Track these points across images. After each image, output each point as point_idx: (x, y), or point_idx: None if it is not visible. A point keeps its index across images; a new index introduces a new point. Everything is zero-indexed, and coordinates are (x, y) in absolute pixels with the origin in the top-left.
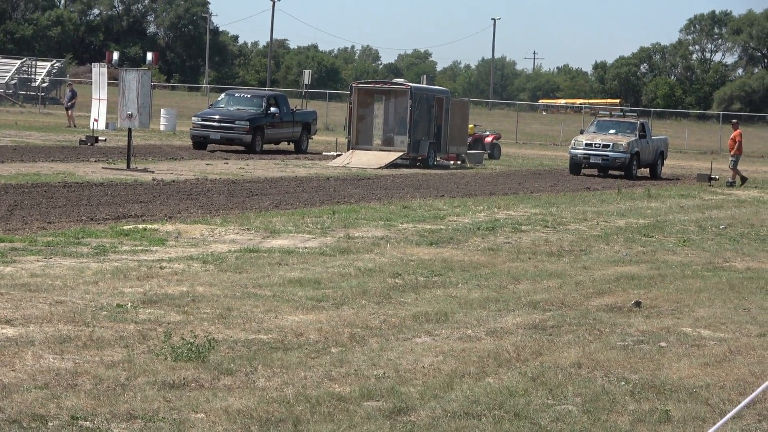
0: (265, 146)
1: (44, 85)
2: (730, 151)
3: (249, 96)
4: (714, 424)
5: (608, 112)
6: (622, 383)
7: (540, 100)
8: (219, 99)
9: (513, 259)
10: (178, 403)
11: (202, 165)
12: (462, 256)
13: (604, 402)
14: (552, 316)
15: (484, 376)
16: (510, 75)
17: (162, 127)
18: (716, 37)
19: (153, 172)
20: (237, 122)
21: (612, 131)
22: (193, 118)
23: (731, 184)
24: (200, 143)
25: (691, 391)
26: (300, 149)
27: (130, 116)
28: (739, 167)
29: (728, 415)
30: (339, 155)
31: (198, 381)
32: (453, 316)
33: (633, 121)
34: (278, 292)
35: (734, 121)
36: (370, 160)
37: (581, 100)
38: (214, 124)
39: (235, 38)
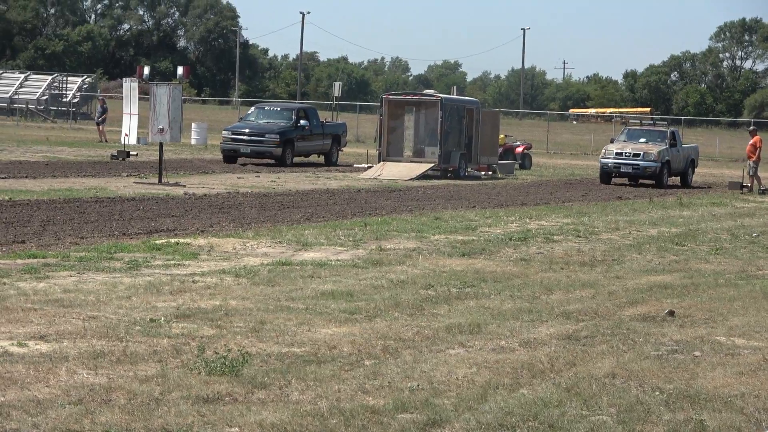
0: (296, 159)
1: (75, 100)
2: (750, 158)
3: (279, 109)
4: None
5: (639, 121)
6: (657, 393)
7: (570, 110)
8: (249, 112)
9: (545, 269)
10: (212, 418)
11: (233, 178)
12: (494, 266)
13: (639, 412)
14: (585, 326)
15: (518, 387)
16: (540, 85)
17: (193, 141)
18: (746, 44)
19: (185, 186)
20: (267, 135)
21: (642, 140)
22: (224, 132)
23: (765, 192)
24: (230, 157)
25: (726, 400)
26: (330, 161)
27: (162, 131)
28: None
29: None
30: (370, 167)
31: (232, 395)
32: (486, 327)
33: (663, 129)
34: (311, 305)
35: (753, 128)
36: (401, 171)
37: (612, 109)
38: (245, 137)
39: (265, 51)
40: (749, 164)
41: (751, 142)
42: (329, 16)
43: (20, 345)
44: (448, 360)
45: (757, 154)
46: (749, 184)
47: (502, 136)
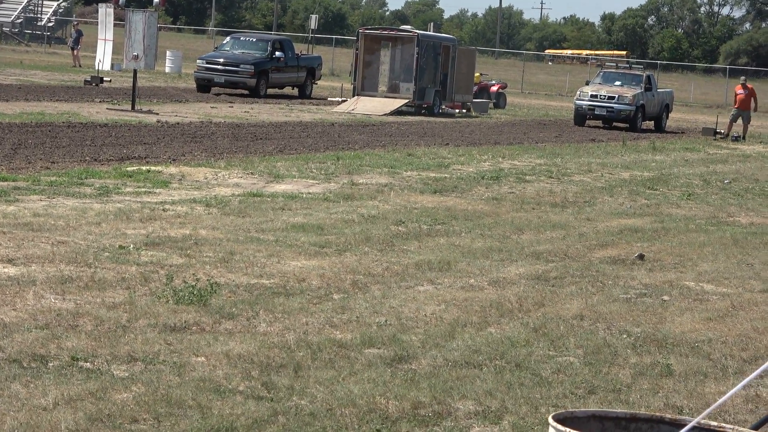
0: (270, 91)
1: (50, 24)
2: (742, 107)
3: (254, 40)
4: (715, 378)
5: (614, 64)
6: (624, 336)
7: (546, 51)
8: (224, 42)
9: (517, 209)
10: (178, 346)
11: (206, 108)
12: (466, 205)
13: (606, 354)
14: (555, 267)
15: (486, 325)
16: (517, 24)
17: (167, 69)
18: None
19: (158, 114)
20: (241, 66)
21: (618, 83)
22: (198, 61)
23: (736, 139)
24: (204, 86)
25: (693, 345)
26: (304, 94)
27: (136, 57)
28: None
29: (743, 382)
30: (344, 101)
31: (199, 324)
32: (456, 265)
33: (639, 73)
34: (281, 237)
35: (744, 78)
36: (375, 106)
37: (588, 51)
38: (219, 67)
39: None
40: (744, 114)
41: (751, 92)
42: None
43: None
44: (416, 296)
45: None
46: (738, 133)
47: (477, 74)
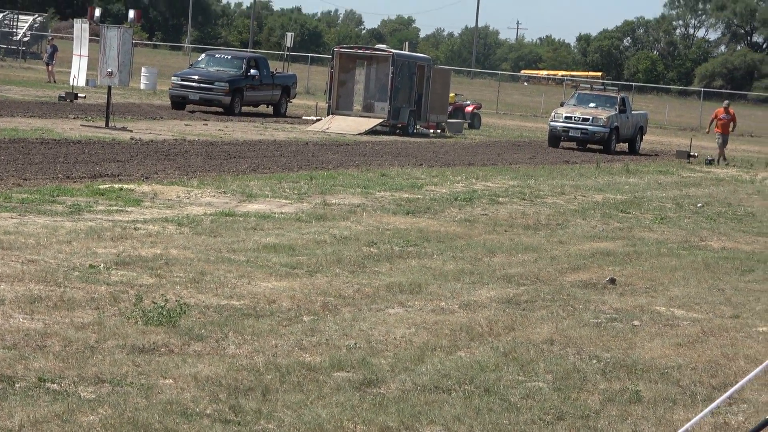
0: (244, 108)
1: (25, 39)
2: (723, 131)
3: (229, 57)
4: (684, 405)
5: (589, 86)
6: (594, 361)
7: (522, 71)
8: (199, 59)
9: (489, 231)
10: (147, 368)
11: (181, 125)
12: (438, 226)
13: (575, 380)
14: (526, 290)
15: (455, 349)
16: (493, 44)
17: (142, 86)
18: (700, 12)
19: (131, 131)
20: (216, 83)
21: (592, 105)
22: (173, 78)
23: (710, 162)
24: (179, 103)
25: (663, 371)
26: (279, 112)
27: (110, 74)
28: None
29: (710, 407)
30: (319, 120)
31: (168, 346)
32: (427, 287)
33: (613, 95)
34: (252, 258)
35: (728, 102)
36: (350, 125)
37: (563, 72)
38: (194, 84)
39: None
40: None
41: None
42: None
43: None
44: (387, 319)
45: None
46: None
47: (452, 94)
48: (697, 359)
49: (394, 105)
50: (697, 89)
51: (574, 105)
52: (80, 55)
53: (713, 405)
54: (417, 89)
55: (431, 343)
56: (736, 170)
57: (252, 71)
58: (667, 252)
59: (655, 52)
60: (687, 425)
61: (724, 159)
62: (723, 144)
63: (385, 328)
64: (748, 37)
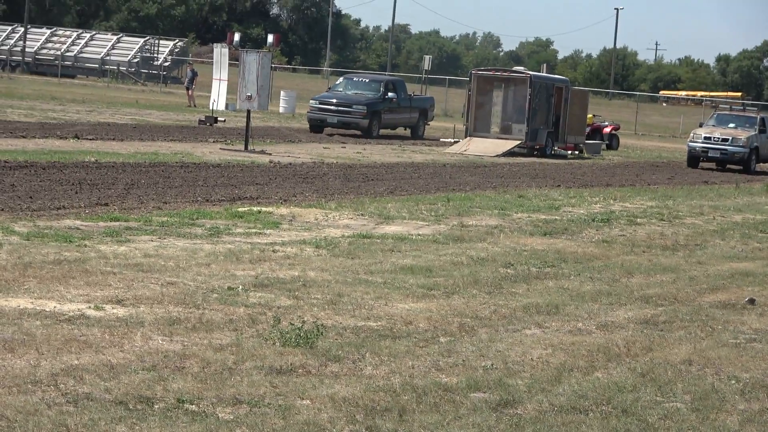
0: (382, 131)
1: (166, 64)
2: None
3: (367, 80)
4: None
5: (728, 106)
6: (733, 382)
7: (661, 92)
8: (337, 83)
9: (627, 252)
10: (284, 389)
11: (319, 148)
12: (575, 247)
13: (714, 401)
14: (664, 311)
15: (592, 370)
16: (631, 65)
17: (281, 110)
18: None
19: (270, 154)
20: (354, 106)
21: (731, 125)
22: (311, 102)
23: None
24: (317, 126)
25: None
26: (416, 135)
27: (250, 98)
28: None
29: None
30: (456, 142)
31: (305, 367)
32: (564, 308)
33: (753, 115)
34: (389, 279)
35: None
36: (488, 147)
37: (702, 93)
38: (332, 107)
39: (358, 22)
40: None
41: None
42: None
43: (97, 308)
44: (523, 340)
45: None
46: None
47: (590, 115)
48: None
49: (531, 126)
50: None
51: (714, 125)
52: (220, 80)
53: None
54: (555, 111)
55: (568, 364)
56: None
57: (390, 94)
58: None
59: None
60: None
61: None
62: None
63: (521, 348)
64: None
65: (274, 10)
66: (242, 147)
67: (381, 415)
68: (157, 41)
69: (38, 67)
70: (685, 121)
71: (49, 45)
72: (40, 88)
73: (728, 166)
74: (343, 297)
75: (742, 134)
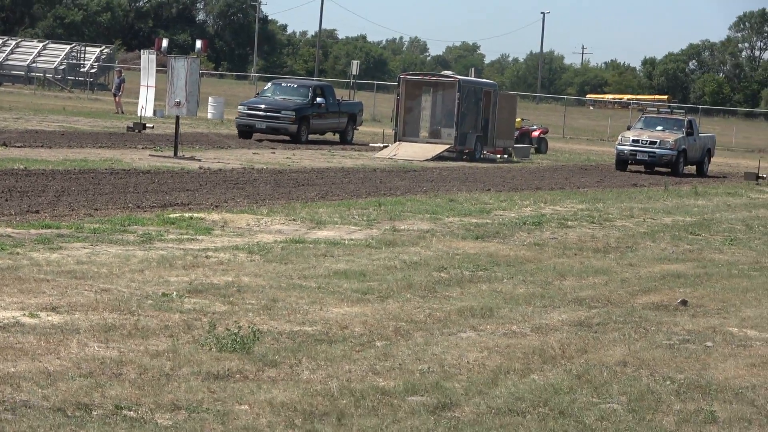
0: (311, 136)
1: (93, 70)
2: None
3: (295, 86)
4: (760, 425)
5: (656, 109)
6: (668, 383)
7: (588, 95)
8: (265, 88)
9: (559, 254)
10: (222, 395)
11: (248, 154)
12: (507, 250)
13: (649, 401)
14: (598, 313)
15: (528, 372)
16: (558, 69)
17: (209, 115)
18: (766, 34)
19: (200, 160)
20: (283, 112)
21: (659, 128)
22: (239, 107)
23: None
24: (246, 132)
25: (737, 391)
26: (345, 140)
27: (178, 104)
28: None
29: None
30: (386, 147)
31: (242, 372)
32: (498, 311)
33: (680, 118)
34: (323, 284)
35: None
36: (417, 152)
37: (629, 96)
38: (260, 113)
39: (284, 27)
40: None
41: None
42: None
43: (32, 316)
44: (459, 343)
45: None
46: None
47: (518, 119)
48: None
49: (460, 131)
50: (764, 111)
51: (641, 128)
52: (147, 86)
53: None
54: (483, 115)
55: (504, 367)
56: None
57: (318, 99)
58: (738, 273)
59: (720, 74)
60: None
61: None
62: None
63: (457, 351)
64: None
65: (201, 16)
66: (172, 153)
67: (319, 419)
68: (83, 48)
69: None
70: (612, 124)
71: None
72: None
73: (656, 168)
74: (277, 302)
75: (670, 137)
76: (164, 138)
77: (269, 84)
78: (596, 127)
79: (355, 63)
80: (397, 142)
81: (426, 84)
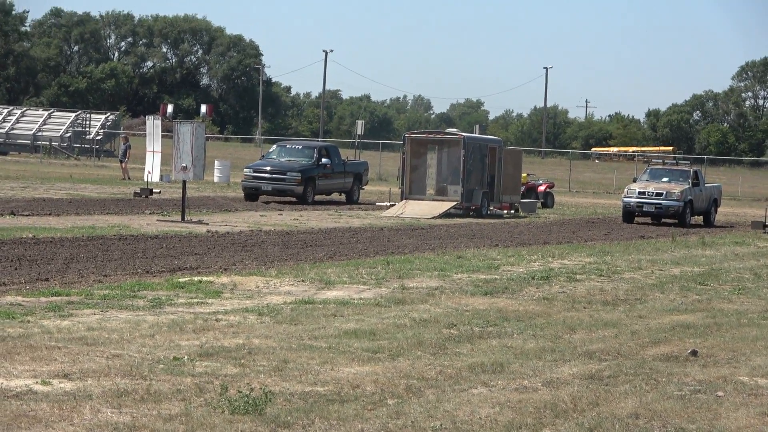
0: (317, 197)
1: (98, 137)
2: None
3: (300, 147)
4: None
5: (661, 160)
6: None
7: (593, 149)
8: (270, 150)
9: (568, 308)
10: None
11: (256, 216)
12: (517, 305)
13: None
14: (608, 365)
15: (541, 427)
16: (562, 123)
17: (216, 179)
18: None
19: (207, 223)
20: (288, 173)
21: (665, 179)
22: (245, 170)
23: None
24: (252, 195)
25: None
26: (352, 200)
27: (185, 168)
28: None
29: None
30: (392, 205)
31: None
32: (509, 366)
33: (686, 168)
34: (334, 344)
35: None
36: (424, 209)
37: (634, 148)
38: (266, 175)
39: (288, 89)
40: None
41: None
42: (352, 54)
43: (44, 383)
44: (471, 399)
45: None
46: None
47: (524, 174)
48: None
49: (467, 187)
50: None
51: (647, 180)
52: (153, 151)
53: None
54: (489, 171)
55: (516, 422)
56: None
57: (323, 160)
58: (748, 322)
59: (725, 124)
60: None
61: None
62: None
63: (469, 408)
64: None
65: (205, 80)
66: (179, 218)
67: None
68: (88, 115)
69: None
70: (618, 176)
71: None
72: None
73: (663, 220)
74: (288, 363)
75: (676, 188)
76: (171, 203)
77: (274, 146)
78: (602, 180)
79: (359, 123)
80: (404, 201)
81: (431, 142)
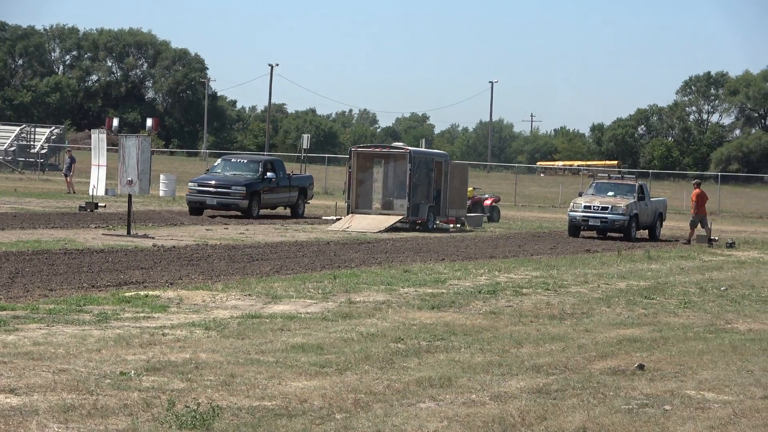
0: (262, 211)
1: (43, 151)
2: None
3: (245, 161)
4: None
5: (606, 174)
6: None
7: (538, 162)
8: (215, 164)
9: (515, 322)
10: None
11: (202, 230)
12: (464, 320)
13: None
14: (555, 379)
15: None
16: (508, 137)
17: (161, 193)
18: (713, 98)
19: (153, 237)
20: (233, 187)
21: (610, 193)
22: (189, 184)
23: (731, 245)
24: (196, 209)
25: None
26: (297, 214)
27: (130, 182)
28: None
29: None
30: (338, 219)
31: None
32: (457, 380)
33: (631, 183)
34: (281, 358)
35: (695, 181)
36: (370, 223)
37: (579, 162)
38: (211, 189)
39: (234, 103)
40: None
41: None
42: (298, 68)
43: None
44: (419, 414)
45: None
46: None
47: (470, 188)
48: None
49: (413, 201)
50: (714, 174)
51: (593, 194)
52: (99, 165)
53: None
54: (435, 185)
55: None
56: (758, 252)
57: (268, 174)
58: (694, 336)
59: (669, 138)
60: None
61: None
62: (694, 224)
63: (417, 422)
64: (763, 120)
65: (150, 94)
66: (125, 232)
67: None
68: (33, 129)
69: None
70: (563, 190)
71: None
72: None
73: (609, 234)
74: (236, 377)
75: (622, 202)
76: (117, 216)
77: (219, 160)
78: (547, 194)
79: (305, 137)
80: (350, 215)
81: (377, 156)
